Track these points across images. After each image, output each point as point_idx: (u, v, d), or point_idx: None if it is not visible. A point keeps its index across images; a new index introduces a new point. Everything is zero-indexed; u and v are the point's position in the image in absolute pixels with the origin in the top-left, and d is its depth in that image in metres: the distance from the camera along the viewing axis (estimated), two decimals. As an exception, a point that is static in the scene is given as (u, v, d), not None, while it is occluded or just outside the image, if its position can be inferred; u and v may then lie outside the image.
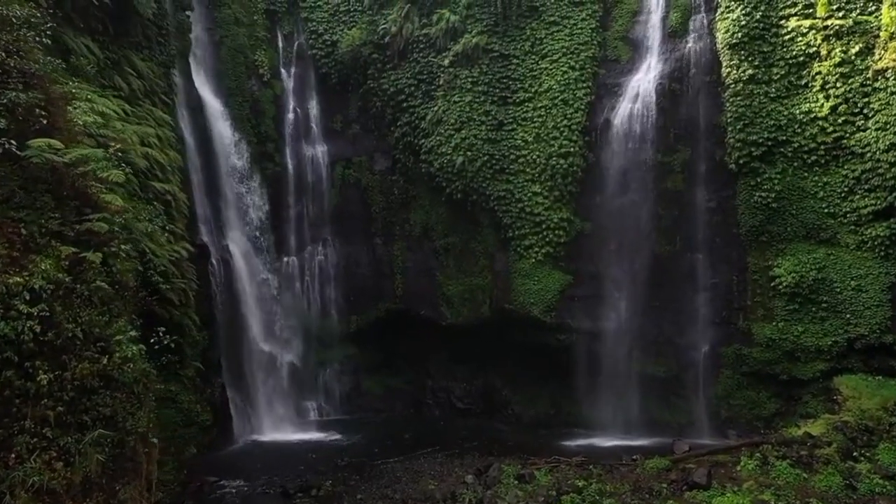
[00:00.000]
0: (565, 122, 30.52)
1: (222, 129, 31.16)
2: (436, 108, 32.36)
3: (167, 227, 22.81)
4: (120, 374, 11.13)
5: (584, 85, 30.78)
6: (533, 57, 31.63)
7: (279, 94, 34.84)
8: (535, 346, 31.72)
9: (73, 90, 14.44)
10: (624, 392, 30.09)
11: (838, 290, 26.51)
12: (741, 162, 27.98)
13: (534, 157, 30.76)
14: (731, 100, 28.13)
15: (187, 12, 30.32)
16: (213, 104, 31.19)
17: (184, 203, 24.27)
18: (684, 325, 29.43)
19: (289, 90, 35.45)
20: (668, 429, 28.98)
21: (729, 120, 28.17)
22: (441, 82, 32.54)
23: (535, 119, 31.08)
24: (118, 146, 13.85)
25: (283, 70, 35.41)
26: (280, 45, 35.55)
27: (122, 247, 12.19)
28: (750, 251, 28.36)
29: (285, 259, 34.06)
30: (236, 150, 31.72)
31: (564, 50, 31.17)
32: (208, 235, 28.74)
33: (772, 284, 27.72)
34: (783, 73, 27.60)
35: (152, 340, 13.27)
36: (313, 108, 35.74)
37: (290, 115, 35.29)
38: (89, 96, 16.02)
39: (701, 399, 29.25)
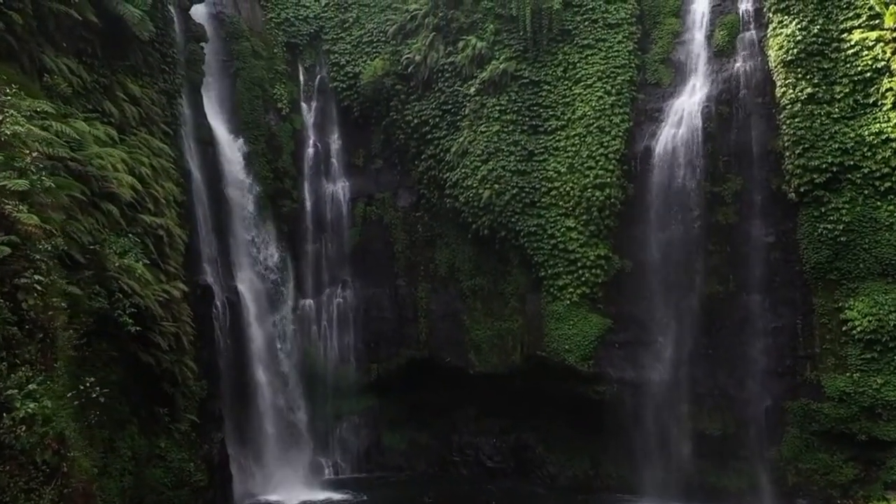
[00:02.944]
0: (601, 150, 27.99)
1: (234, 163, 29.53)
2: (461, 139, 30.28)
3: (159, 265, 20.91)
4: (13, 440, 8.68)
5: (622, 110, 28.35)
6: (565, 82, 29.41)
7: (299, 128, 33.25)
8: (571, 398, 28.74)
9: (12, 98, 12.45)
10: (673, 452, 26.93)
11: (925, 335, 22.88)
12: (802, 190, 24.92)
13: (567, 188, 28.26)
14: (787, 122, 25.27)
15: (201, 43, 29.01)
16: (226, 138, 29.67)
17: (180, 239, 22.24)
18: (742, 375, 26.12)
19: (309, 124, 33.87)
20: (726, 495, 25.83)
21: (786, 144, 25.27)
22: (467, 112, 30.49)
23: (568, 148, 28.66)
24: (36, 154, 11.78)
25: (303, 104, 33.91)
26: (301, 78, 34.18)
27: (38, 277, 9.89)
28: (816, 291, 25.01)
29: (301, 302, 31.87)
30: (249, 185, 29.99)
31: (599, 74, 28.88)
32: (214, 276, 26.70)
33: (843, 329, 24.24)
34: (847, 90, 24.63)
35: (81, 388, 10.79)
36: (334, 142, 34.03)
37: (310, 150, 33.60)
38: (43, 107, 14.14)
39: (764, 462, 25.78)
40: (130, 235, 17.50)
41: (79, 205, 15.88)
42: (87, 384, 11.37)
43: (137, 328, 17.61)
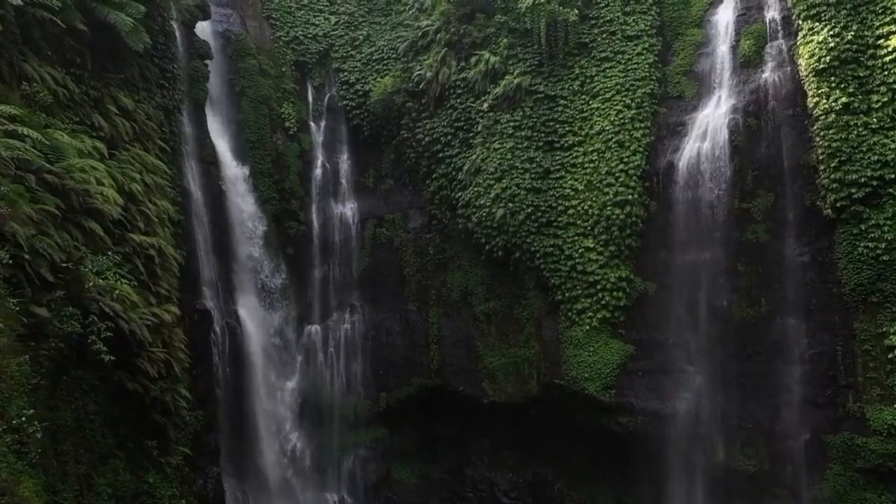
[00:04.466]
0: (621, 166, 26.55)
1: (238, 183, 28.54)
2: (474, 157, 29.02)
3: (150, 287, 19.73)
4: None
5: (642, 125, 26.97)
6: (582, 97, 28.12)
7: (307, 148, 32.17)
8: (592, 430, 27.11)
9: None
10: (704, 490, 25.19)
11: (981, 363, 20.89)
12: (839, 206, 23.23)
13: (585, 207, 26.83)
14: (822, 134, 23.69)
15: (205, 61, 28.18)
16: (229, 157, 28.74)
17: (173, 260, 21.03)
18: (777, 406, 24.30)
19: (318, 144, 32.78)
20: (762, 538, 23.52)
21: (821, 157, 23.67)
22: (480, 128, 29.25)
23: (586, 165, 27.27)
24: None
25: (312, 123, 32.86)
26: (310, 97, 33.20)
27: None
28: (857, 315, 23.16)
29: (307, 328, 30.47)
30: (254, 206, 28.87)
31: (618, 87, 27.59)
32: (214, 300, 25.53)
33: (889, 357, 22.37)
34: (886, 99, 23.05)
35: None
36: (343, 162, 32.91)
37: (318, 171, 32.46)
38: (9, 111, 13.07)
39: (803, 501, 23.98)
40: (110, 253, 16.23)
41: (52, 219, 14.72)
42: (24, 418, 9.90)
43: (116, 355, 16.30)
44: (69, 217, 15.69)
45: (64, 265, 14.29)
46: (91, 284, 14.53)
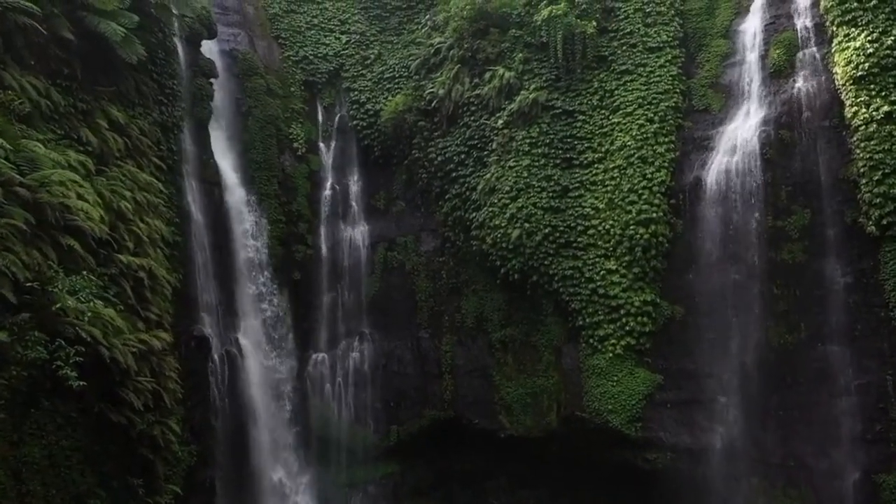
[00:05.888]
0: (644, 182, 25.05)
1: (242, 205, 27.40)
2: (488, 176, 27.65)
3: (138, 311, 18.48)
4: None
5: (666, 139, 25.56)
6: (602, 111, 26.83)
7: (316, 169, 31.08)
8: (617, 467, 25.22)
9: None
10: (741, 535, 22.69)
11: None
12: (884, 223, 21.48)
13: (607, 226, 25.34)
14: (862, 145, 22.06)
15: (210, 79, 27.32)
16: (234, 178, 27.65)
17: (166, 283, 19.80)
18: (822, 441, 22.20)
19: (327, 165, 31.66)
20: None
21: (862, 170, 22.01)
22: (494, 146, 27.92)
23: (606, 182, 25.82)
24: None
25: (321, 144, 31.80)
26: (320, 117, 32.21)
27: None
28: (908, 341, 21.11)
29: (313, 356, 28.97)
30: (258, 229, 27.67)
31: (640, 101, 26.27)
32: (213, 326, 24.21)
33: (945, 387, 20.22)
34: (932, 107, 21.30)
35: None
36: (354, 184, 31.69)
37: (328, 193, 31.27)
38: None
39: (854, 549, 21.42)
40: (85, 273, 14.92)
41: (20, 235, 13.49)
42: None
43: (97, 385, 14.98)
44: (41, 233, 14.47)
45: (28, 285, 12.99)
46: (59, 306, 13.19)
